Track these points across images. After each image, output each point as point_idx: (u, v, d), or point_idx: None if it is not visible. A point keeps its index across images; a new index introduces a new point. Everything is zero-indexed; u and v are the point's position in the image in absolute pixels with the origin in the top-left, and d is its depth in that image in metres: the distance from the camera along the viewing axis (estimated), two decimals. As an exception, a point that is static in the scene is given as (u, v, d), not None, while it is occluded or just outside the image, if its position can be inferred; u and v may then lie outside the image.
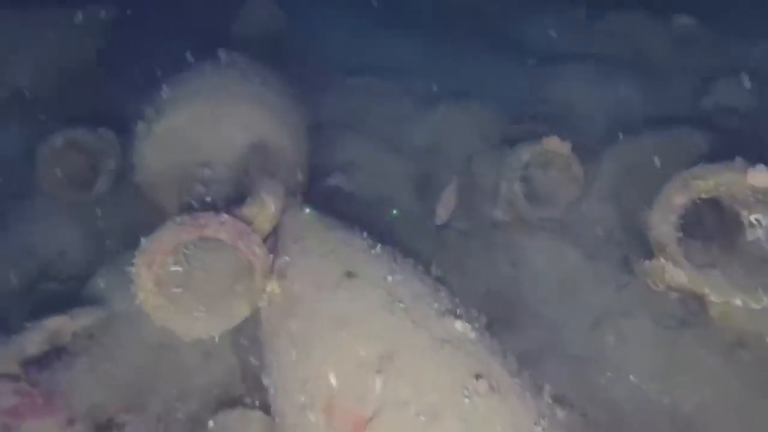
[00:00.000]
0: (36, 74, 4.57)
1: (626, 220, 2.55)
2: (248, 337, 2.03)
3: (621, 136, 2.81)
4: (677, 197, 1.90)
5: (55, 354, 2.01)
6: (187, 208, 2.02)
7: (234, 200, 2.20)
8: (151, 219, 2.88)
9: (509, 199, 2.78)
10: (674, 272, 1.91)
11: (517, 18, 4.85)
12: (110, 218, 3.24)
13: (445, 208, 2.89)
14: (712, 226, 2.12)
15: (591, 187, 2.72)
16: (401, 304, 1.67)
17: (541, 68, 4.04)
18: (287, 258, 1.95)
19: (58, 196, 3.30)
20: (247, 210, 1.99)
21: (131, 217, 3.19)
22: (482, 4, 5.06)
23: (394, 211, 3.30)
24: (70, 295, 2.58)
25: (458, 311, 1.69)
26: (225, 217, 1.84)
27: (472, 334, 1.61)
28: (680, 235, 1.93)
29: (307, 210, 2.19)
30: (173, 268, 1.91)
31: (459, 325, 1.62)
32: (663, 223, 1.93)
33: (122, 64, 5.04)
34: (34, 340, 1.99)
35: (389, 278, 1.76)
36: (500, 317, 2.43)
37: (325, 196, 3.04)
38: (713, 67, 3.45)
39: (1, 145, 3.84)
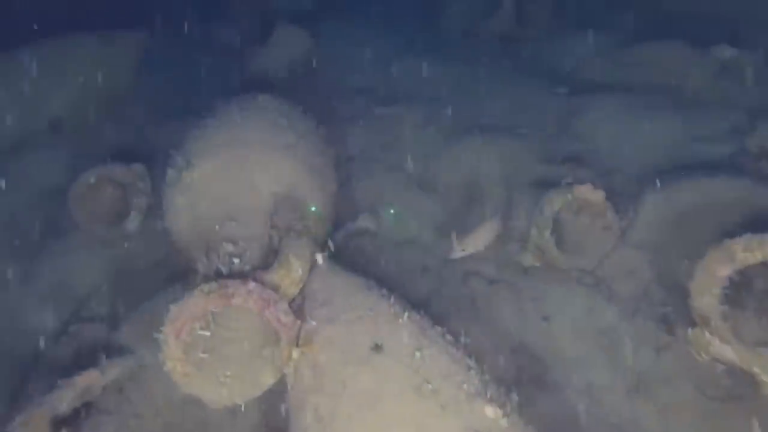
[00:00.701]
0: (71, 102, 4.69)
1: (665, 275, 2.44)
2: (274, 400, 2.02)
3: (658, 183, 2.69)
4: (721, 269, 1.80)
5: (84, 411, 2.04)
6: (215, 272, 2.02)
7: (261, 257, 2.19)
8: (179, 260, 2.95)
9: (540, 246, 2.70)
10: (720, 348, 1.81)
11: (550, 43, 4.73)
12: (140, 254, 3.30)
13: (473, 242, 2.82)
14: (764, 291, 1.99)
15: (626, 237, 2.62)
16: (429, 386, 1.62)
17: (573, 98, 3.92)
18: (314, 323, 1.93)
19: (91, 230, 3.38)
20: (274, 274, 1.98)
21: (161, 253, 3.24)
22: (514, 29, 4.94)
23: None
24: (101, 340, 2.63)
25: (488, 393, 1.64)
26: (252, 285, 1.83)
27: (503, 421, 1.56)
28: (726, 307, 1.82)
29: (333, 268, 2.17)
30: (200, 332, 1.91)
31: (490, 411, 1.57)
32: (706, 295, 1.83)
33: (153, 90, 5.17)
34: (65, 397, 2.02)
35: (417, 354, 1.72)
36: (532, 376, 2.37)
37: (353, 240, 3.02)
38: (759, 102, 3.28)
39: (38, 177, 3.95)
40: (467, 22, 5.45)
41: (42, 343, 2.66)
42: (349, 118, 4.19)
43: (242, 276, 1.92)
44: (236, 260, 2.08)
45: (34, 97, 4.48)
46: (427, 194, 3.41)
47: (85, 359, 2.57)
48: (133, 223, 3.36)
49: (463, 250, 2.65)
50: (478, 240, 2.77)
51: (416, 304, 2.66)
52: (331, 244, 2.39)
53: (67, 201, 3.31)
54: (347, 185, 3.47)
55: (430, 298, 2.68)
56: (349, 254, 2.94)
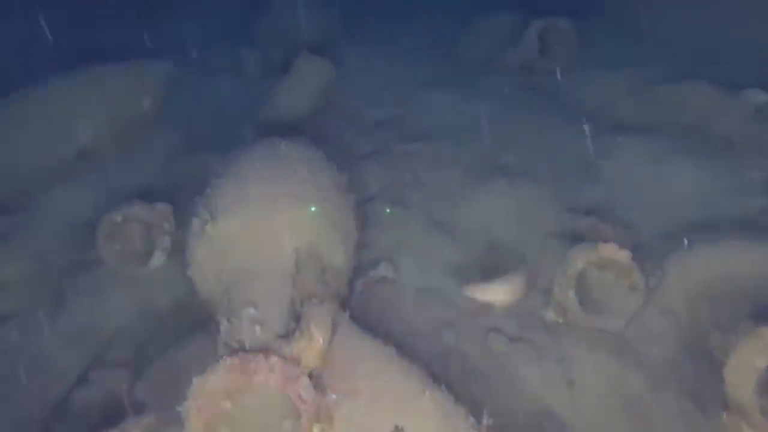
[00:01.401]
0: (99, 131, 4.80)
1: (695, 343, 2.37)
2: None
3: (686, 243, 2.62)
4: (759, 358, 1.73)
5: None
6: (237, 341, 2.03)
7: (283, 322, 2.20)
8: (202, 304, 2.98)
9: (563, 304, 2.65)
10: (757, 440, 1.74)
11: (574, 77, 4.66)
12: (165, 294, 3.35)
13: (487, 292, 2.81)
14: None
15: (654, 299, 2.56)
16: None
17: (597, 137, 3.85)
18: (334, 397, 1.92)
19: (116, 267, 3.45)
20: (296, 346, 1.98)
21: (184, 293, 3.28)
22: (537, 61, 4.88)
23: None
24: (123, 390, 2.67)
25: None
26: (274, 360, 1.84)
27: None
28: (765, 401, 1.75)
29: (353, 333, 2.17)
30: (222, 403, 1.92)
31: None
32: (741, 384, 1.77)
33: (179, 118, 5.26)
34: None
35: (438, 440, 1.70)
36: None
37: (373, 288, 3.01)
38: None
39: (66, 209, 4.03)
40: (489, 51, 5.41)
41: (65, 390, 2.71)
42: (369, 154, 4.19)
43: (264, 349, 1.93)
44: (258, 328, 2.09)
45: (62, 126, 4.60)
46: (448, 239, 3.39)
47: (107, 409, 2.63)
48: (157, 262, 3.42)
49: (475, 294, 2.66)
50: (491, 293, 2.75)
51: (436, 360, 2.64)
52: (348, 311, 2.38)
53: (96, 238, 3.41)
54: (366, 227, 3.47)
55: (450, 353, 2.66)
56: (369, 304, 2.94)
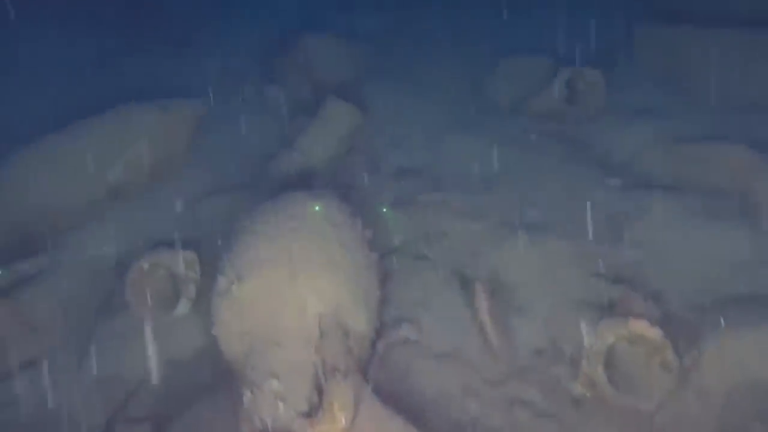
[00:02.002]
0: (130, 171, 4.91)
1: (731, 432, 2.27)
2: None
3: (722, 322, 2.52)
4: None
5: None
6: (260, 421, 2.02)
7: (306, 395, 2.18)
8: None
9: (591, 379, 2.58)
10: None
11: (602, 127, 4.61)
12: (188, 343, 3.36)
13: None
14: None
15: (688, 381, 2.46)
16: None
17: (627, 193, 3.79)
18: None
19: (142, 314, 3.50)
20: (318, 428, 1.96)
21: (208, 342, 3.29)
22: (564, 109, 4.86)
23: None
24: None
25: None
26: (297, 444, 1.82)
27: None
28: None
29: (375, 410, 2.14)
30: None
31: None
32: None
33: (207, 158, 5.37)
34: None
35: None
36: None
37: (394, 350, 2.98)
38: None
39: (95, 251, 4.12)
40: (516, 95, 5.41)
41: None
42: (393, 202, 4.19)
43: (286, 429, 1.92)
44: (281, 405, 2.08)
45: (93, 166, 4.72)
46: (472, 295, 3.34)
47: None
48: (182, 310, 3.46)
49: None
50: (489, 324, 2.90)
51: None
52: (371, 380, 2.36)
53: (122, 285, 3.47)
54: (388, 283, 3.45)
55: (475, 425, 2.60)
56: (391, 367, 2.90)
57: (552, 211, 3.82)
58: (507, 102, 5.54)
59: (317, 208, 2.80)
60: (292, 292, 2.59)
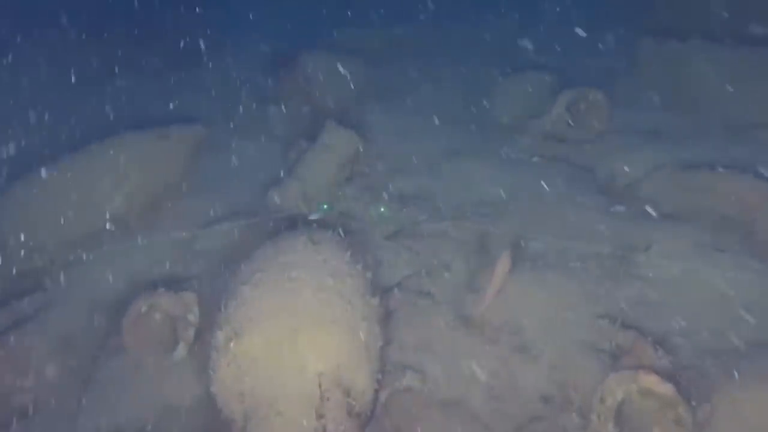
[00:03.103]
0: (129, 199, 4.85)
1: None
2: None
3: (736, 374, 2.44)
4: None
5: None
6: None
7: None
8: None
9: (601, 433, 2.50)
10: None
11: (606, 150, 4.52)
12: (186, 389, 3.31)
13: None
14: None
15: (702, 436, 2.38)
16: None
17: (632, 222, 3.70)
18: None
19: (139, 357, 3.44)
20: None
21: (206, 390, 3.24)
22: (566, 131, 4.77)
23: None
24: None
25: None
26: None
27: None
28: None
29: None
30: None
31: None
32: None
33: (207, 184, 5.30)
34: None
35: None
36: None
37: (398, 398, 2.91)
38: None
39: (93, 287, 4.07)
40: (518, 114, 5.33)
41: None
42: (394, 233, 4.12)
43: None
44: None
45: (93, 196, 4.66)
46: (476, 338, 3.27)
47: None
48: (180, 353, 3.40)
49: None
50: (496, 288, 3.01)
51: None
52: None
53: (120, 326, 3.42)
54: (391, 320, 3.38)
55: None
56: (394, 417, 2.84)
57: (555, 243, 3.74)
58: (509, 120, 5.46)
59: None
60: (292, 350, 2.52)
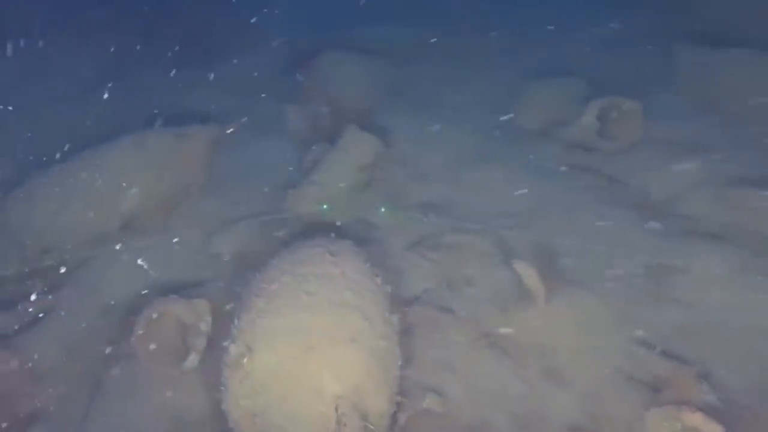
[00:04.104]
0: (143, 200, 4.74)
1: None
2: None
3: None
4: None
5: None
6: None
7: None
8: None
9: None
10: None
11: (639, 162, 4.29)
12: (196, 400, 3.19)
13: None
14: None
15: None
16: None
17: (669, 240, 3.48)
18: None
19: (149, 365, 3.33)
20: None
21: (216, 402, 3.11)
22: (596, 141, 4.54)
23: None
24: None
25: None
26: None
27: None
28: None
29: None
30: None
31: None
32: None
33: (222, 185, 5.18)
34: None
35: None
36: None
37: (418, 420, 2.75)
38: None
39: (104, 290, 3.97)
40: (545, 121, 5.11)
41: None
42: (415, 243, 3.95)
43: None
44: None
45: (107, 197, 4.57)
46: (499, 358, 3.09)
47: None
48: (191, 364, 3.28)
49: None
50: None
51: None
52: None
53: (131, 332, 3.32)
54: (410, 335, 3.22)
55: None
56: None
57: (585, 259, 3.54)
58: (535, 127, 5.24)
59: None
60: (307, 370, 2.38)
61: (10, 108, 6.08)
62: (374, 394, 2.44)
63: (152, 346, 3.33)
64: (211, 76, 7.19)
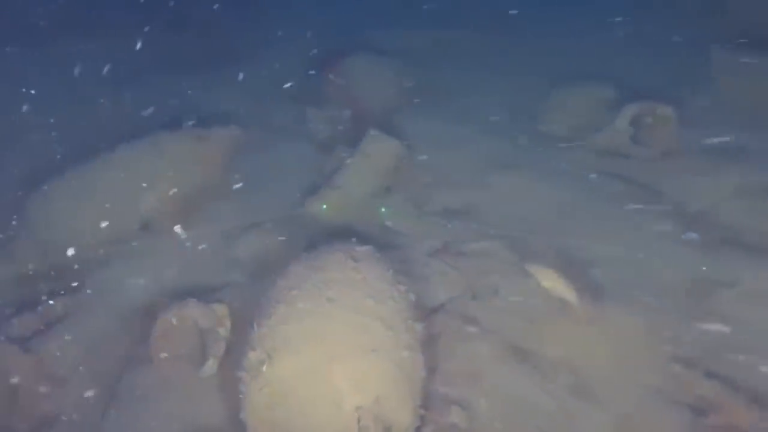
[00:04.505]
0: (163, 202, 4.72)
1: None
2: None
3: None
4: None
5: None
6: None
7: None
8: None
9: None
10: None
11: (674, 170, 4.10)
12: (213, 408, 3.11)
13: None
14: None
15: None
16: None
17: (708, 251, 3.29)
18: None
19: (167, 371, 3.28)
20: None
21: (234, 409, 3.03)
22: (628, 147, 4.36)
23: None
24: None
25: None
26: None
27: None
28: None
29: None
30: None
31: None
32: None
33: (241, 187, 5.14)
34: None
35: None
36: None
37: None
38: None
39: (123, 292, 3.94)
40: (574, 127, 4.95)
41: None
42: (436, 251, 3.83)
43: None
44: None
45: (126, 198, 4.55)
46: (527, 372, 2.94)
47: None
48: (209, 371, 3.21)
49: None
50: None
51: None
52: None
53: (148, 336, 3.27)
54: (435, 345, 3.10)
55: None
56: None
57: (618, 271, 3.37)
58: (563, 133, 5.09)
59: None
60: (328, 380, 2.28)
61: (33, 108, 6.16)
62: (397, 407, 2.33)
63: (170, 351, 3.27)
64: (240, 76, 7.15)
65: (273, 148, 5.58)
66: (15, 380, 3.18)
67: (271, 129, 6.04)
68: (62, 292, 3.88)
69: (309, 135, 5.90)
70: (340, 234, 3.65)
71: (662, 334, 2.85)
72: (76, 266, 4.19)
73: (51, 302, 3.71)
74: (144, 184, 4.64)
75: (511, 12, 7.14)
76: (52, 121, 5.83)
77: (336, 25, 8.18)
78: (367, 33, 7.58)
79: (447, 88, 6.12)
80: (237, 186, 5.03)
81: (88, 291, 3.89)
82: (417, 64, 6.57)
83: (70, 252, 4.25)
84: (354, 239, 3.40)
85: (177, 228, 4.54)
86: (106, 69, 6.96)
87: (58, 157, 5.20)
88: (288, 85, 6.41)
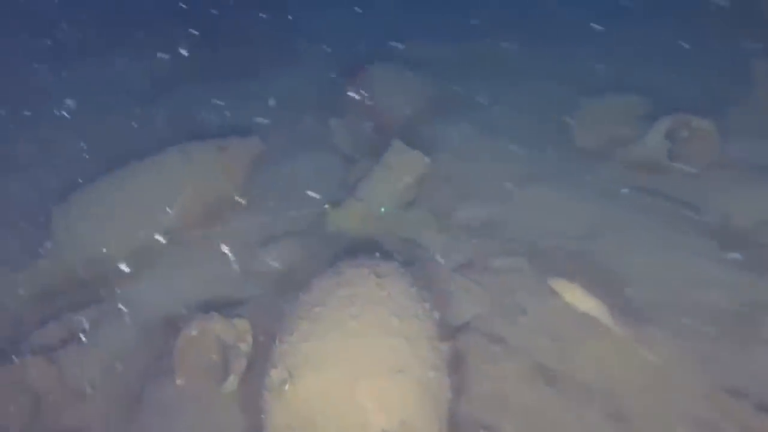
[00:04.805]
0: (186, 212, 4.71)
1: None
2: None
3: None
4: None
5: None
6: None
7: None
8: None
9: None
10: None
11: (714, 187, 3.90)
12: (234, 424, 3.05)
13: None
14: None
15: None
16: None
17: (751, 276, 3.09)
18: None
19: (190, 384, 3.24)
20: None
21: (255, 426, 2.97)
22: (663, 162, 4.18)
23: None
24: None
25: None
26: None
27: None
28: None
29: None
30: None
31: None
32: None
33: (261, 198, 5.11)
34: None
35: None
36: None
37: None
38: None
39: (146, 303, 3.92)
40: (606, 140, 4.79)
41: None
42: (463, 266, 3.72)
43: None
44: None
45: (149, 208, 4.55)
46: (556, 396, 2.80)
47: None
48: (230, 387, 3.16)
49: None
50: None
51: None
52: None
53: (171, 349, 3.24)
54: (461, 365, 2.98)
55: None
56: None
57: (657, 293, 3.20)
58: (592, 145, 4.93)
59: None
60: (352, 401, 2.20)
61: (63, 119, 6.29)
62: (423, 430, 2.22)
63: (192, 364, 3.24)
64: (255, 88, 7.21)
65: (296, 159, 5.56)
66: (38, 392, 3.18)
67: (295, 140, 6.02)
68: (86, 305, 3.89)
69: (332, 146, 5.87)
70: (363, 247, 3.57)
71: (707, 360, 2.68)
72: (99, 278, 4.21)
73: (75, 315, 3.72)
74: (166, 196, 4.64)
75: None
76: (84, 134, 5.94)
77: (363, 36, 8.19)
78: (390, 44, 7.56)
79: (472, 99, 6.02)
80: (259, 197, 5.01)
81: (112, 303, 3.89)
82: (443, 74, 6.49)
83: (95, 264, 4.28)
84: (377, 254, 3.33)
85: (199, 240, 4.55)
86: (137, 82, 7.11)
87: (82, 168, 5.27)
88: (311, 96, 6.41)
